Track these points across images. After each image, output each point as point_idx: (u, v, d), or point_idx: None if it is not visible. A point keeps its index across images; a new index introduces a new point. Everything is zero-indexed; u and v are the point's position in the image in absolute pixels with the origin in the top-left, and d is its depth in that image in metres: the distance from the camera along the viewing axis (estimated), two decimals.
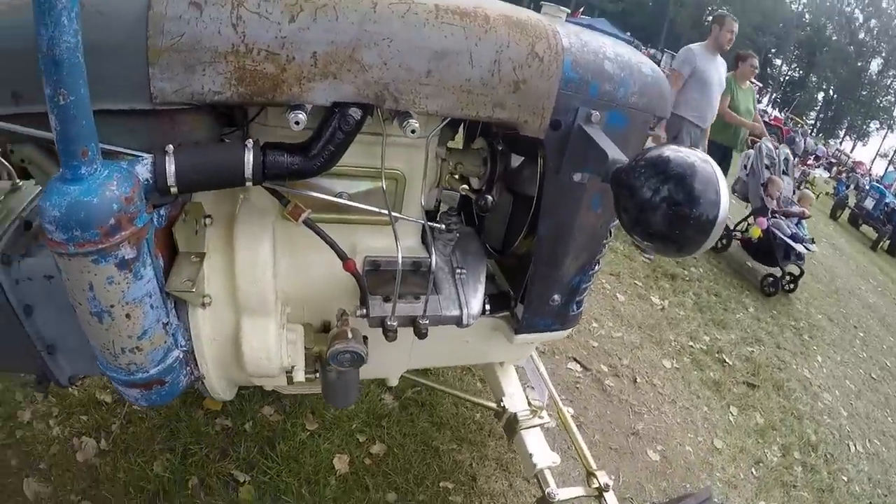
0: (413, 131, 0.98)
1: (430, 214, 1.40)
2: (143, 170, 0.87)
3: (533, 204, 1.30)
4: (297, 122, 0.91)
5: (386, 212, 1.12)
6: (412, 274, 1.26)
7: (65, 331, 1.23)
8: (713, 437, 2.97)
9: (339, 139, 0.95)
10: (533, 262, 1.33)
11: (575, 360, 3.14)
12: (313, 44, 0.89)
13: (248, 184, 0.92)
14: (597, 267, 1.49)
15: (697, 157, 0.85)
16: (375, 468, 2.12)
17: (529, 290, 1.38)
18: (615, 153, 0.99)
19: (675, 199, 0.83)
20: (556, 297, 1.42)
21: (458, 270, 1.32)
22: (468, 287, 1.32)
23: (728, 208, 0.84)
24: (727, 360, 3.71)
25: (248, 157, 0.90)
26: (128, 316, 0.89)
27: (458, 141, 1.58)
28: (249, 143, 0.91)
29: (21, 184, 1.49)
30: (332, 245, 1.10)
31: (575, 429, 1.94)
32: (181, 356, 1.06)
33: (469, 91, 1.00)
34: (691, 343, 3.76)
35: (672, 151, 0.87)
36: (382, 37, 0.92)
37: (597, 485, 1.72)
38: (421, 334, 1.21)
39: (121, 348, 0.93)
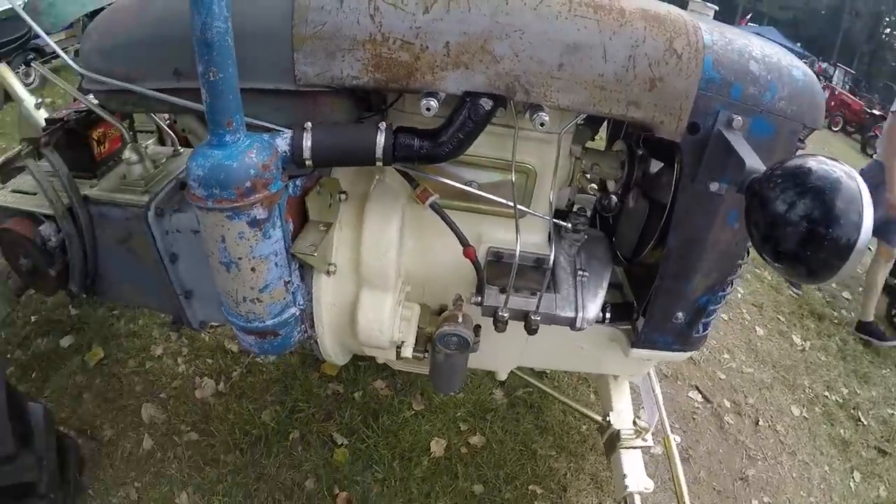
0: (542, 124, 0.97)
1: (562, 213, 1.38)
2: (283, 143, 0.97)
3: (665, 212, 1.23)
4: (428, 109, 0.95)
5: (512, 204, 1.13)
6: (533, 270, 1.26)
7: (202, 281, 1.42)
8: (827, 500, 2.61)
9: (468, 128, 0.98)
10: (659, 274, 1.25)
11: (697, 389, 2.92)
12: (446, 34, 0.93)
13: (379, 163, 0.98)
14: (729, 289, 1.37)
15: (843, 171, 0.76)
16: (469, 458, 2.15)
17: (652, 303, 1.31)
18: (754, 162, 0.90)
19: (811, 215, 0.74)
20: (679, 314, 1.32)
21: (581, 272, 1.29)
22: (587, 290, 1.28)
23: (871, 232, 0.74)
24: (862, 419, 3.21)
25: (380, 139, 0.96)
26: (253, 269, 1.00)
27: (599, 143, 1.54)
28: (382, 125, 0.97)
29: (182, 150, 1.73)
30: (455, 230, 1.13)
31: (678, 459, 1.80)
32: (297, 314, 1.16)
33: (602, 87, 0.98)
34: (826, 393, 3.32)
35: (816, 162, 0.78)
36: (514, 28, 0.93)
37: None
38: (531, 330, 1.20)
39: (243, 297, 1.04)
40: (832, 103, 17.67)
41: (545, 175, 1.21)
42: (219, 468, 2.00)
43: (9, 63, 2.09)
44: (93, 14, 1.54)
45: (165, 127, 1.80)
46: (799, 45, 26.26)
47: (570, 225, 1.25)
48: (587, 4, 0.95)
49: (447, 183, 1.14)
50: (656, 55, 0.98)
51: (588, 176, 1.32)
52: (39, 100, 1.96)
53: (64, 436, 1.85)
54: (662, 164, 1.34)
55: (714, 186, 1.08)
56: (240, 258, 0.98)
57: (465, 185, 1.18)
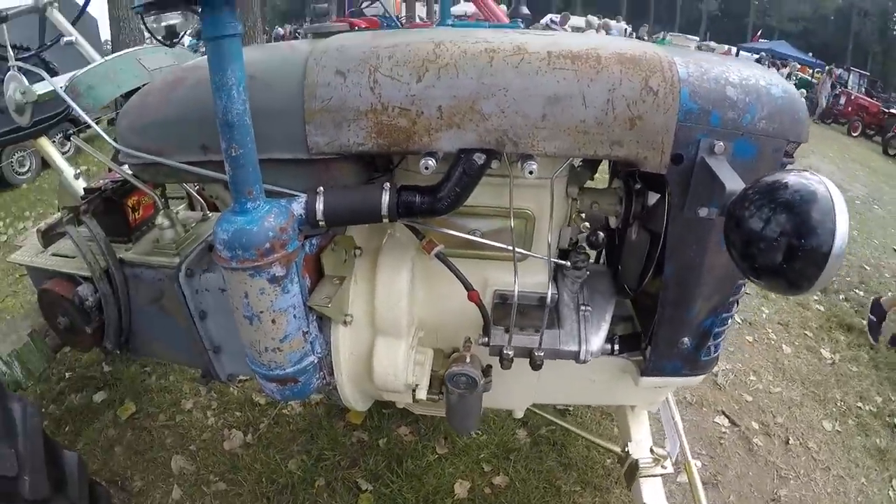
0: (531, 172, 1.06)
1: (567, 252, 1.44)
2: (298, 206, 1.07)
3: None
4: (426, 168, 1.05)
5: (512, 248, 1.20)
6: (537, 309, 1.32)
7: (229, 336, 1.51)
8: None
9: (464, 182, 1.07)
10: (660, 302, 1.30)
11: (724, 413, 2.89)
12: (438, 99, 1.03)
13: (385, 220, 1.08)
14: (733, 309, 1.40)
15: (813, 181, 0.77)
16: (493, 498, 2.16)
17: (657, 331, 1.34)
18: (734, 184, 0.93)
19: (783, 228, 0.76)
20: (685, 340, 1.35)
21: (583, 307, 1.35)
22: (590, 324, 1.34)
23: (846, 237, 0.74)
24: None
25: (385, 198, 1.06)
26: (273, 321, 1.09)
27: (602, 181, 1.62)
28: (387, 185, 1.07)
29: (210, 215, 1.87)
30: (459, 276, 1.21)
31: (699, 482, 1.80)
32: (315, 361, 1.24)
33: (584, 131, 1.05)
34: (860, 404, 3.23)
35: (787, 176, 0.80)
36: (499, 88, 1.02)
37: None
38: (535, 366, 1.26)
39: (265, 347, 1.13)
40: (849, 108, 17.54)
41: (543, 218, 1.29)
42: None
43: (47, 135, 2.30)
44: (127, 94, 1.71)
45: (195, 194, 1.94)
46: (811, 54, 26.30)
47: (569, 263, 1.31)
48: (565, 56, 1.04)
49: (450, 233, 1.23)
50: (633, 95, 1.04)
51: (583, 215, 1.39)
52: (78, 170, 2.13)
53: (96, 483, 1.92)
54: (659, 196, 1.41)
55: (703, 212, 1.11)
56: (261, 312, 1.07)
57: (469, 233, 1.26)
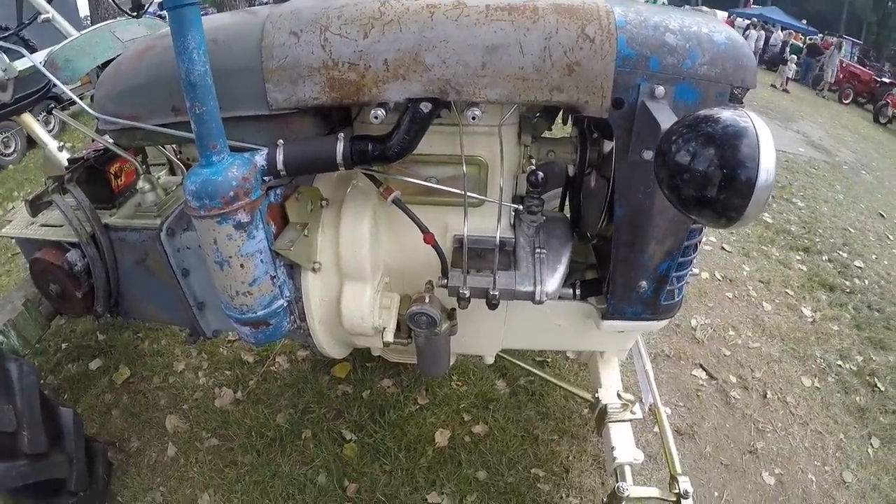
0: (474, 118, 1.17)
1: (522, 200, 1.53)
2: (260, 158, 1.19)
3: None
4: (376, 118, 1.16)
5: (471, 194, 1.31)
6: (493, 252, 1.43)
7: (212, 292, 1.63)
8: (844, 468, 2.63)
9: (412, 129, 1.18)
10: (613, 244, 1.38)
11: (701, 366, 3.00)
12: (384, 53, 1.13)
13: (341, 168, 1.19)
14: (692, 255, 1.48)
15: (739, 115, 0.80)
16: (473, 446, 2.31)
17: (614, 275, 1.43)
18: (669, 123, 0.95)
19: (705, 158, 0.79)
20: (642, 283, 1.44)
21: (539, 250, 1.45)
22: (546, 267, 1.44)
23: (775, 168, 0.77)
24: (879, 385, 3.20)
25: (339, 147, 1.17)
26: (242, 266, 1.21)
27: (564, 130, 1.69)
28: (341, 135, 1.18)
29: None
30: (415, 220, 1.33)
31: (668, 429, 1.88)
32: (285, 305, 1.36)
33: (524, 78, 1.15)
34: (840, 362, 3.33)
35: (710, 111, 0.83)
36: (440, 39, 1.13)
37: (677, 490, 1.62)
38: (491, 305, 1.37)
39: (236, 291, 1.25)
40: (841, 76, 17.64)
41: (495, 165, 1.39)
42: (237, 469, 2.21)
43: (31, 112, 2.39)
44: (103, 65, 1.81)
45: (175, 159, 2.04)
46: (804, 21, 26.05)
47: (521, 207, 1.42)
48: (502, 9, 1.13)
49: (407, 180, 1.34)
50: (569, 43, 1.13)
51: (533, 161, 1.49)
52: (61, 144, 2.24)
53: (93, 439, 2.07)
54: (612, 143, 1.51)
55: (648, 154, 1.15)
56: (230, 257, 1.19)
57: (425, 181, 1.37)
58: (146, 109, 1.32)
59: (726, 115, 0.82)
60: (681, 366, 2.99)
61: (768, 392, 2.95)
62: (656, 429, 1.95)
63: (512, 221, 1.49)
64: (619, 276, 1.45)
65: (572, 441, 2.41)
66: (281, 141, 1.19)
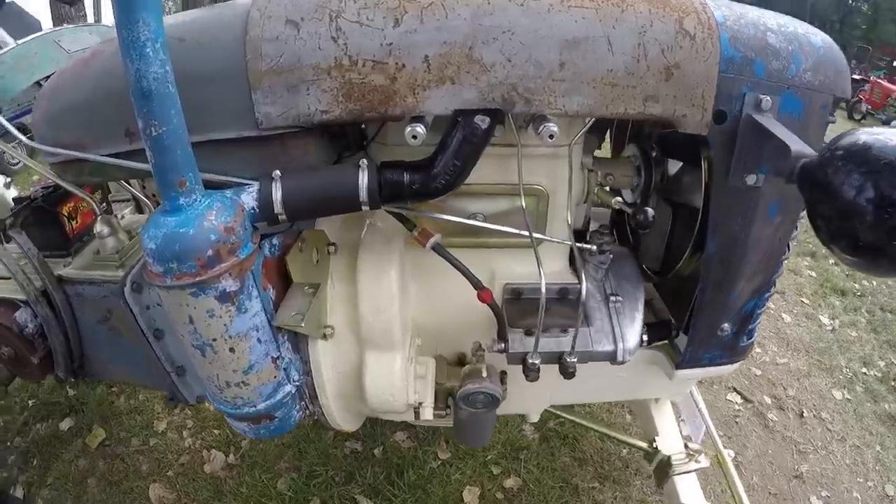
0: (551, 136, 0.81)
1: (579, 234, 1.22)
2: (249, 198, 0.81)
3: (699, 217, 1.07)
4: (414, 137, 0.79)
5: (526, 233, 0.96)
6: (558, 303, 1.09)
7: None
8: (885, 481, 2.41)
9: (465, 152, 0.82)
10: (700, 286, 1.09)
11: (735, 390, 2.72)
12: (423, 46, 0.77)
13: (365, 208, 0.82)
14: (773, 289, 1.21)
15: None
16: None
17: (696, 318, 1.14)
18: (798, 145, 0.77)
19: (890, 197, 0.61)
20: (725, 325, 1.16)
21: (613, 298, 1.11)
22: (624, 317, 1.11)
23: None
24: None
25: (363, 179, 0.80)
26: (231, 350, 0.83)
27: (604, 150, 1.39)
28: (364, 163, 0.81)
29: None
30: (465, 273, 0.96)
31: (735, 476, 1.62)
32: (293, 392, 0.98)
33: (613, 84, 0.82)
34: (864, 370, 3.12)
35: (869, 135, 0.67)
36: (502, 30, 0.77)
37: None
38: (568, 374, 1.02)
39: (225, 382, 0.87)
40: None
41: (558, 194, 1.05)
42: None
43: None
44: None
45: (140, 195, 1.66)
46: None
47: (594, 246, 1.07)
48: None
49: (448, 219, 0.97)
50: (667, 39, 0.82)
51: (607, 189, 1.15)
52: (8, 180, 1.83)
53: None
54: (682, 164, 1.19)
55: (751, 179, 0.93)
56: (214, 340, 0.81)
57: (470, 218, 1.01)
58: (93, 135, 0.94)
59: None
60: (714, 391, 2.68)
61: (804, 410, 2.70)
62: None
63: (573, 263, 1.15)
64: (702, 319, 1.14)
65: (615, 487, 2.05)
66: (277, 173, 0.82)
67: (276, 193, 0.79)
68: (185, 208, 0.74)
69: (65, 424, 2.31)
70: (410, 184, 0.81)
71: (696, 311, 1.13)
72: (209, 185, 0.80)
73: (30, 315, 1.42)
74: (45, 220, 1.50)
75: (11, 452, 2.20)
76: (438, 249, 0.95)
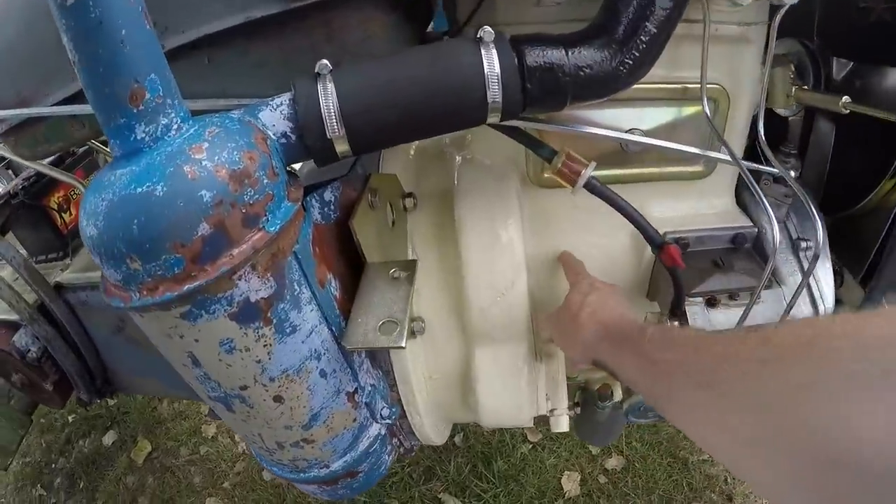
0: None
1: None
2: (274, 116, 0.45)
3: None
4: None
5: (702, 152, 0.60)
6: (733, 255, 0.73)
7: None
8: None
9: (660, 16, 0.44)
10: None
11: None
12: None
13: (494, 118, 0.45)
14: None
15: None
16: (612, 488, 1.64)
17: (885, 265, 0.81)
18: None
19: None
20: None
21: (804, 244, 0.76)
22: (817, 269, 0.75)
23: None
24: None
25: (491, 63, 0.43)
26: (278, 399, 0.48)
27: None
28: (487, 32, 0.43)
29: None
30: (640, 223, 0.60)
31: None
32: (383, 432, 0.64)
33: None
34: None
35: None
36: None
37: None
38: None
39: (276, 444, 0.54)
40: None
41: (741, 97, 0.68)
42: None
43: None
44: None
45: None
46: None
47: (776, 169, 0.70)
48: None
49: (604, 135, 0.59)
50: None
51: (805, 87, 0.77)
52: None
53: None
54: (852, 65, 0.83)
55: None
56: (244, 387, 0.47)
57: (627, 133, 0.64)
58: (37, 78, 0.61)
59: None
60: None
61: None
62: None
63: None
64: (890, 265, 0.81)
65: None
66: (325, 64, 0.45)
67: (329, 101, 0.43)
68: (148, 145, 0.39)
69: (108, 439, 2.07)
70: (575, 70, 0.44)
71: (886, 255, 0.79)
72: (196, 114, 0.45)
73: (30, 336, 1.14)
74: (31, 217, 1.21)
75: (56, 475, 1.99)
76: (596, 188, 0.58)
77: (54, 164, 1.30)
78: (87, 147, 1.34)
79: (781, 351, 0.34)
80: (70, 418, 2.23)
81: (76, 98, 0.61)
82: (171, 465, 1.92)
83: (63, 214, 1.24)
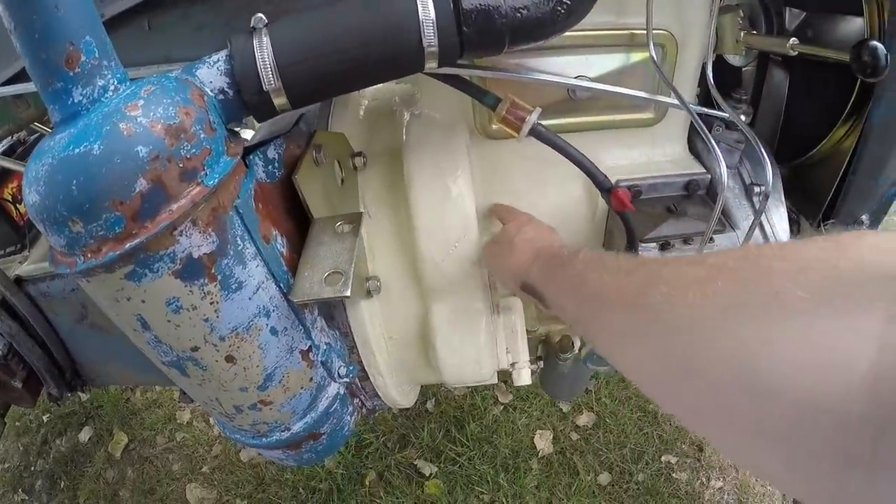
0: None
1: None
2: (211, 73, 0.44)
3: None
4: None
5: (667, 100, 0.61)
6: (687, 201, 0.75)
7: None
8: None
9: None
10: (852, 168, 0.79)
11: None
12: None
13: (431, 64, 0.45)
14: None
15: None
16: (584, 444, 1.68)
17: (839, 208, 0.85)
18: None
19: None
20: (864, 217, 0.88)
21: (756, 188, 0.78)
22: (771, 213, 0.78)
23: None
24: None
25: (426, 6, 0.42)
26: (230, 359, 0.48)
27: None
28: None
29: None
30: (588, 168, 0.60)
31: None
32: (342, 392, 0.64)
33: None
34: None
35: None
36: None
37: None
38: None
39: (233, 407, 0.53)
40: None
41: (689, 43, 0.69)
42: None
43: None
44: None
45: None
46: None
47: (726, 114, 0.71)
48: None
49: (549, 81, 0.59)
50: None
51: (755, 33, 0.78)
52: None
53: None
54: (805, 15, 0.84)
55: None
56: (195, 348, 0.46)
57: (574, 79, 0.64)
58: None
59: None
60: None
61: None
62: None
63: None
64: (844, 209, 0.85)
65: None
66: (260, 18, 0.44)
67: (263, 52, 0.42)
68: (86, 107, 0.39)
69: (84, 435, 2.02)
70: (511, 12, 0.44)
71: (840, 200, 0.83)
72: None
73: None
74: None
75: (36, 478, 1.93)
76: (543, 133, 0.58)
77: (5, 153, 1.25)
78: (38, 135, 1.29)
79: (713, 271, 0.32)
80: (45, 418, 2.16)
81: (19, 77, 0.59)
82: (149, 455, 1.89)
83: (18, 206, 1.19)
